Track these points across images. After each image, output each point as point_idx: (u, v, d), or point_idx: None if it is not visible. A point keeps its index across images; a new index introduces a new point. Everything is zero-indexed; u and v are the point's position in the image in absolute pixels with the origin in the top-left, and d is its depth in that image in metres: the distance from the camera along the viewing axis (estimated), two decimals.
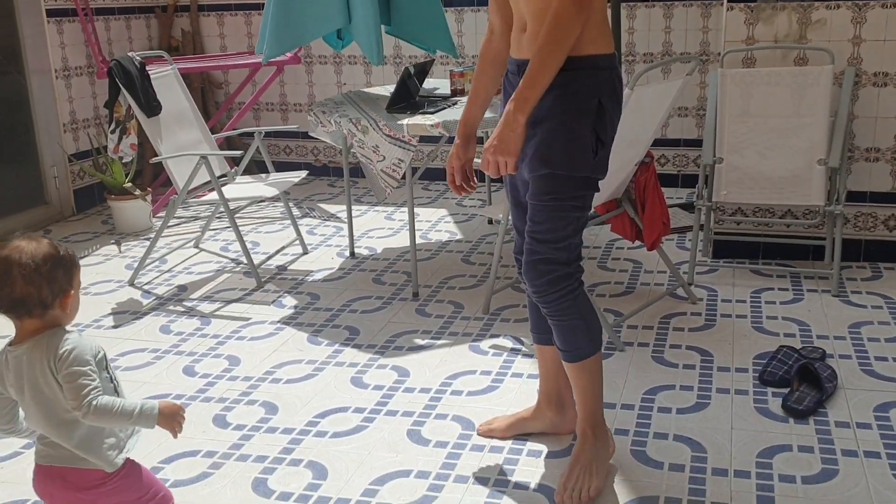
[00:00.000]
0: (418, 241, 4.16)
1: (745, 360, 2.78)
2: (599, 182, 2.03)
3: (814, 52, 3.41)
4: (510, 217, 2.24)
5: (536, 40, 1.90)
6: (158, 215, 4.71)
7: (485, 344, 2.99)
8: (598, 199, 3.07)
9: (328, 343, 3.05)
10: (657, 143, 4.89)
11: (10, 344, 1.60)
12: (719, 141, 3.43)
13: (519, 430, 2.37)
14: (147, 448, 2.39)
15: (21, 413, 1.65)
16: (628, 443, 2.32)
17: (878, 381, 2.61)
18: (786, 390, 2.52)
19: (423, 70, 3.75)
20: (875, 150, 3.50)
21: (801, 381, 2.52)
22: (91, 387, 1.53)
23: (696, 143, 4.80)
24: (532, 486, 2.15)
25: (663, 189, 3.23)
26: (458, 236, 4.26)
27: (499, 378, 2.73)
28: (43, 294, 1.55)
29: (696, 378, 2.67)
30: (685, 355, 2.83)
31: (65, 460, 1.61)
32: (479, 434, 2.39)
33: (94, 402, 1.52)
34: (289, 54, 4.85)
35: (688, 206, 4.34)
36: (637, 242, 3.27)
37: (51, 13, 4.72)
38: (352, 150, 3.48)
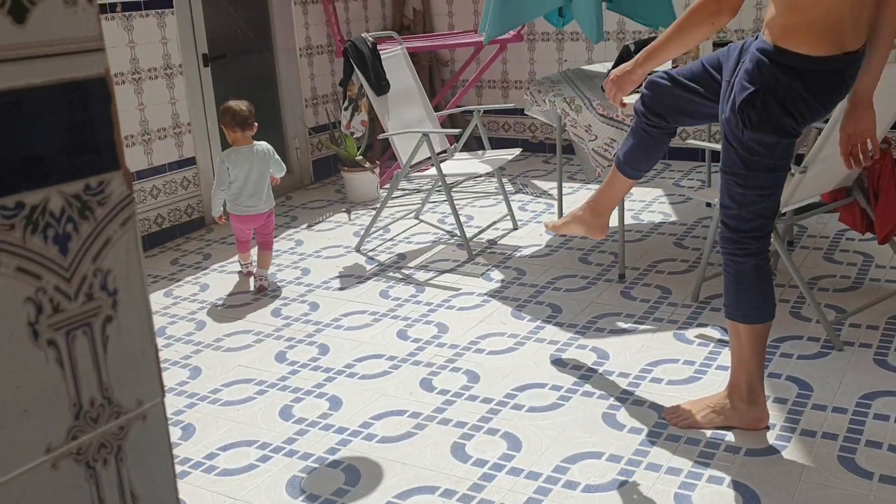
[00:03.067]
0: (629, 221, 4.11)
1: None
2: (782, 174, 2.15)
3: None
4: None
5: (768, 20, 2.05)
6: (385, 186, 5.01)
7: (691, 333, 2.93)
8: (825, 187, 2.88)
9: (531, 318, 3.13)
10: None
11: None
12: None
13: (709, 424, 2.34)
14: (362, 403, 2.61)
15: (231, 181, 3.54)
16: (836, 448, 2.20)
17: None
18: None
19: (643, 46, 3.67)
20: None
21: None
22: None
23: None
24: (726, 482, 2.11)
25: None
26: (672, 218, 4.16)
27: (702, 369, 2.67)
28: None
29: None
30: None
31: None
32: (668, 420, 2.40)
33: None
34: (511, 32, 4.93)
35: None
36: (868, 235, 3.04)
37: None
38: (565, 128, 3.50)
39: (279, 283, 3.68)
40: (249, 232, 3.70)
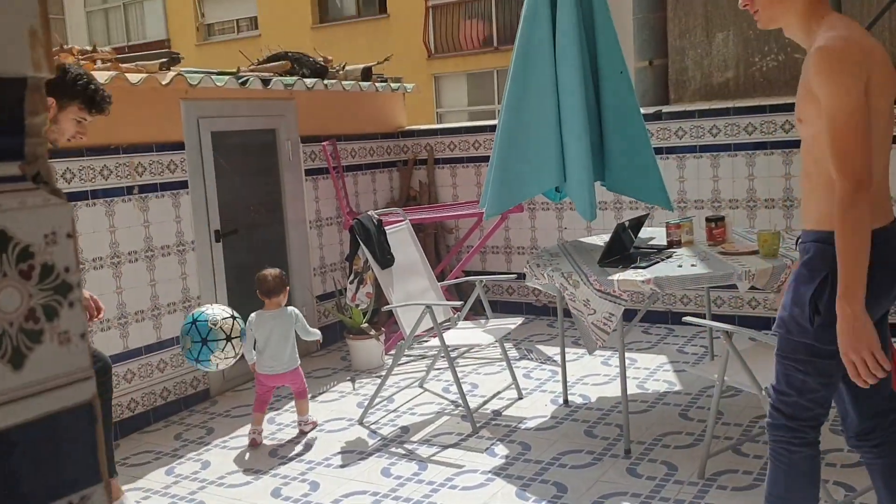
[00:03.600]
0: (634, 389, 4.11)
1: None
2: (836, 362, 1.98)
3: None
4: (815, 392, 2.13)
5: (807, 213, 2.07)
6: (390, 353, 5.05)
7: None
8: None
9: (535, 500, 3.08)
10: None
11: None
12: None
13: None
14: None
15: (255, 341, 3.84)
16: None
17: None
18: None
19: (638, 223, 3.81)
20: None
21: None
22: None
23: None
24: None
25: None
26: (677, 387, 4.16)
27: None
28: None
29: None
30: None
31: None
32: None
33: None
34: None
35: None
36: None
37: (309, 172, 5.38)
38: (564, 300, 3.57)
39: (281, 458, 3.65)
40: (271, 392, 3.95)
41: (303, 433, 3.93)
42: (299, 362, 3.96)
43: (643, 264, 3.43)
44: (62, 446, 0.54)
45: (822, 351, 2.02)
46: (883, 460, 2.16)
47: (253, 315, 3.89)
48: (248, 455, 3.74)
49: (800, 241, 2.14)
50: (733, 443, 3.37)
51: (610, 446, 3.50)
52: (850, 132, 1.88)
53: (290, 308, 3.95)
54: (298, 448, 3.78)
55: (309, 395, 4.07)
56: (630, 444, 3.43)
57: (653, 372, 4.41)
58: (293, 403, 4.09)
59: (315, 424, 4.02)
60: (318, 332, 4.04)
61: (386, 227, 4.27)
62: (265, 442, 3.86)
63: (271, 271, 3.94)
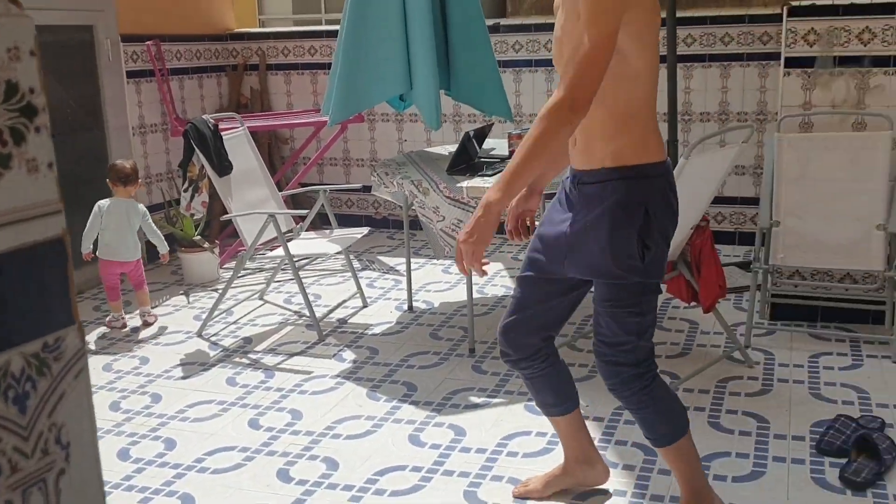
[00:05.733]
0: (475, 295, 4.24)
1: (803, 427, 2.78)
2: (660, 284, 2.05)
3: (872, 118, 3.43)
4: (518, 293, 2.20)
5: (587, 153, 1.95)
6: (225, 266, 4.89)
7: None
8: None
9: (386, 399, 3.14)
10: (715, 200, 4.92)
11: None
12: (776, 204, 3.46)
13: (554, 488, 2.42)
14: (215, 499, 2.50)
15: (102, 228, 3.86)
16: None
17: None
18: (843, 461, 2.52)
19: (482, 133, 3.87)
20: None
21: (860, 451, 2.51)
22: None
23: (754, 202, 4.81)
24: None
25: (721, 247, 3.27)
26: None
27: (554, 440, 2.77)
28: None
29: (753, 445, 2.68)
30: (741, 421, 2.84)
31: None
32: (514, 496, 2.44)
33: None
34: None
35: (744, 265, 4.34)
36: (693, 304, 3.30)
37: (130, 74, 4.99)
38: (412, 207, 3.60)
39: (116, 372, 3.48)
40: (117, 277, 4.03)
41: (147, 324, 4.06)
42: (140, 255, 4.08)
43: (489, 172, 3.51)
44: (35, 284, 0.48)
45: (652, 284, 2.01)
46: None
47: (104, 201, 3.95)
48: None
49: (581, 181, 1.98)
50: (568, 340, 3.58)
51: (455, 346, 3.61)
52: (598, 54, 1.77)
53: (140, 204, 4.05)
54: (134, 362, 3.62)
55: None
56: (475, 344, 3.55)
57: (491, 278, 4.57)
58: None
59: (156, 318, 4.14)
60: (166, 243, 4.08)
61: (222, 133, 4.07)
62: (94, 356, 3.66)
63: (127, 161, 4.06)
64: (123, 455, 2.81)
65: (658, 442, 2.16)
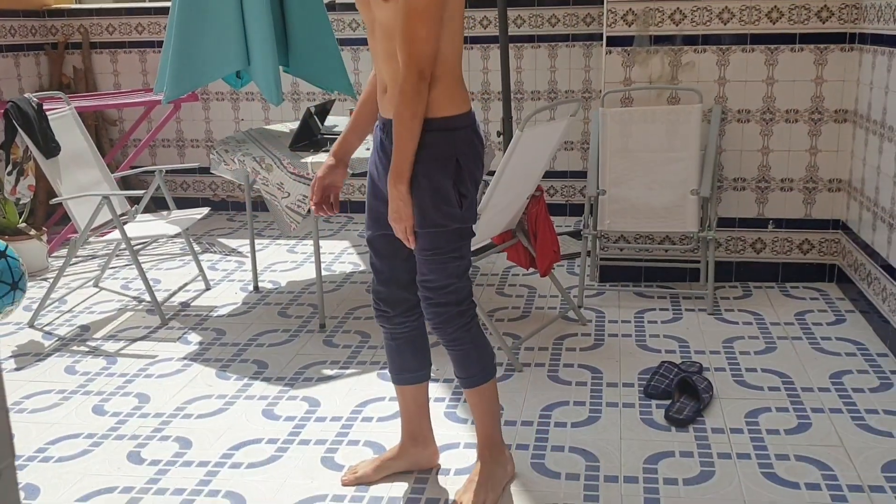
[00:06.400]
0: (322, 273, 4.27)
1: (631, 375, 3.03)
2: (474, 227, 2.19)
3: (684, 92, 3.75)
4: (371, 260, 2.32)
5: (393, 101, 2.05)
6: (54, 254, 4.64)
7: None
8: (494, 231, 3.28)
9: (237, 377, 3.13)
10: (546, 175, 5.18)
11: None
12: (602, 174, 3.71)
13: (386, 471, 2.42)
14: (63, 487, 2.42)
15: None
16: (528, 456, 2.50)
17: (748, 390, 2.89)
18: (668, 402, 2.77)
19: (324, 109, 3.89)
20: (741, 179, 3.86)
21: (682, 392, 2.78)
22: None
23: (582, 175, 5.11)
24: (442, 501, 2.30)
25: (553, 218, 3.48)
26: (362, 267, 4.40)
27: None
28: None
29: (588, 394, 2.89)
30: (577, 373, 3.06)
31: None
32: (343, 484, 2.39)
33: None
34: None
35: (576, 234, 4.62)
36: (531, 269, 3.50)
37: None
38: (254, 186, 3.57)
39: None
40: None
41: None
42: None
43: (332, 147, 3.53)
44: None
45: (467, 228, 2.15)
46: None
47: None
48: None
49: (391, 129, 2.07)
50: None
51: (305, 323, 3.63)
52: (426, 20, 1.91)
53: None
54: None
55: None
56: (325, 320, 3.59)
57: (338, 256, 4.61)
58: None
59: None
60: None
61: (47, 113, 3.86)
62: None
63: None
64: None
65: (467, 382, 2.26)
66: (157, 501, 2.35)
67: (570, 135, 5.16)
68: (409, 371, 2.38)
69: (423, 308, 2.22)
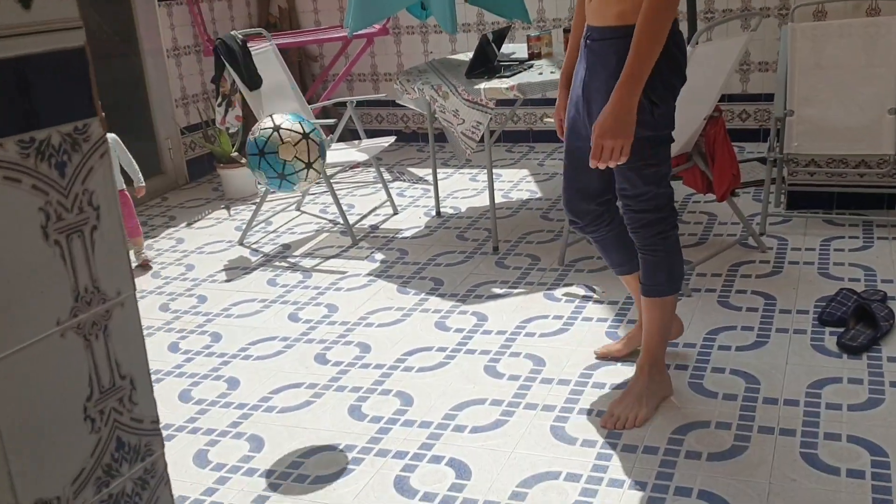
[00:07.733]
0: (500, 200, 4.39)
1: (808, 302, 2.91)
2: (673, 134, 2.20)
3: (886, 2, 3.43)
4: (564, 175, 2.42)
5: (605, 7, 2.10)
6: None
7: (559, 292, 3.22)
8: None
9: (415, 292, 3.35)
10: (738, 97, 4.95)
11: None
12: (790, 94, 3.51)
13: (633, 346, 2.62)
14: (259, 381, 2.75)
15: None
16: (686, 377, 2.52)
17: None
18: (842, 329, 2.65)
19: (500, 36, 3.95)
20: None
21: (858, 320, 2.65)
22: None
23: None
24: (594, 412, 2.39)
25: (745, 144, 3.35)
26: (538, 195, 4.48)
27: (570, 322, 2.96)
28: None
29: (758, 319, 2.83)
30: (749, 299, 2.98)
31: None
32: (598, 357, 2.67)
33: None
34: (377, 26, 5.13)
35: (765, 160, 4.39)
36: (709, 195, 3.41)
37: None
38: (436, 116, 3.73)
39: (164, 279, 3.75)
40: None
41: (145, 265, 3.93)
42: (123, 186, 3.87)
43: (507, 74, 3.61)
44: (66, 80, 0.65)
45: (662, 136, 2.15)
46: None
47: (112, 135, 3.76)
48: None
49: (590, 37, 2.16)
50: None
51: (480, 246, 3.79)
52: None
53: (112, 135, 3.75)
54: (180, 269, 3.87)
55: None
56: (498, 243, 3.73)
57: (516, 184, 4.71)
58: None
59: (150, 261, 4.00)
60: (141, 175, 3.94)
61: (251, 49, 4.22)
62: (140, 266, 3.93)
63: None
64: (173, 348, 3.07)
65: (652, 290, 2.31)
66: (336, 398, 2.61)
67: (764, 55, 4.87)
68: (618, 265, 2.52)
69: (623, 213, 2.31)
